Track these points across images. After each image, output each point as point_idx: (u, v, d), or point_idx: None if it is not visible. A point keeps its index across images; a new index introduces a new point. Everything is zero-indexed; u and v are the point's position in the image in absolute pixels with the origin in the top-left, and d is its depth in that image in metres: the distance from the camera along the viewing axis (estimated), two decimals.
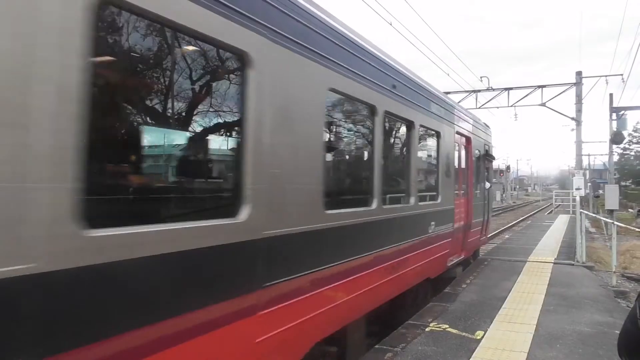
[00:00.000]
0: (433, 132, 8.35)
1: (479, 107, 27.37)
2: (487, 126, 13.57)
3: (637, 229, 15.57)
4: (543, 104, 25.87)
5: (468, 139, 10.90)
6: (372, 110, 5.80)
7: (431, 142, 8.51)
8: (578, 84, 25.91)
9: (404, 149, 7.37)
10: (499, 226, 29.08)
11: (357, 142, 6.17)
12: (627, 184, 63.89)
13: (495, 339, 6.25)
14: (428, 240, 7.81)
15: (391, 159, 7.08)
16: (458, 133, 9.81)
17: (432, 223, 7.96)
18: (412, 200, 7.05)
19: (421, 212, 7.47)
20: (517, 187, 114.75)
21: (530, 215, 41.42)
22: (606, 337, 6.28)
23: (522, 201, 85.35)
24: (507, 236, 22.41)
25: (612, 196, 24.06)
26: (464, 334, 6.45)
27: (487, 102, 27.25)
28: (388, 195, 6.33)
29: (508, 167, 75.05)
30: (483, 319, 7.16)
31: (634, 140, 67.30)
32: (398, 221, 6.53)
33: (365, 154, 6.10)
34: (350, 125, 5.96)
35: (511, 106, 27.11)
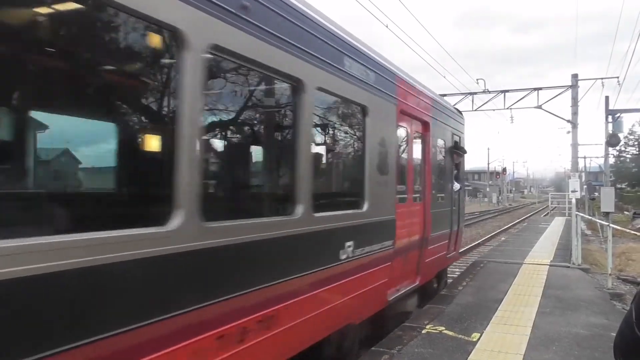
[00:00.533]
0: (352, 105, 5.62)
1: (475, 110, 27.48)
2: (459, 113, 10.88)
3: (633, 232, 15.62)
4: (539, 107, 25.99)
5: (425, 124, 7.96)
6: (176, 39, 3.05)
7: (348, 120, 5.85)
8: (574, 86, 26.04)
9: (278, 123, 4.72)
10: (495, 228, 29.18)
11: (132, 100, 3.27)
12: (623, 186, 64.14)
13: (492, 341, 6.26)
14: (341, 272, 5.07)
15: (241, 138, 4.43)
16: (405, 113, 7.00)
17: (349, 244, 5.19)
18: (300, 209, 4.27)
19: (321, 228, 4.66)
20: (513, 189, 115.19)
21: (527, 218, 41.57)
22: (602, 339, 6.29)
23: (518, 203, 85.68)
24: (503, 238, 22.47)
25: (607, 199, 24.15)
26: (460, 336, 6.45)
27: (484, 104, 27.36)
28: (228, 204, 3.98)
29: (504, 170, 75.48)
30: (479, 321, 7.16)
31: (630, 142, 67.61)
32: (255, 249, 3.73)
33: (161, 124, 3.36)
34: (115, 63, 3.09)
35: (507, 109, 27.25)
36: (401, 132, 7.12)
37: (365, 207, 5.66)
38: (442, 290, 9.58)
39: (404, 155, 7.42)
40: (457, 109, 10.86)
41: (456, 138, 9.96)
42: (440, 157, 9.06)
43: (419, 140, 8.01)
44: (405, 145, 7.48)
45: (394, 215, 6.49)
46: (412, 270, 7.57)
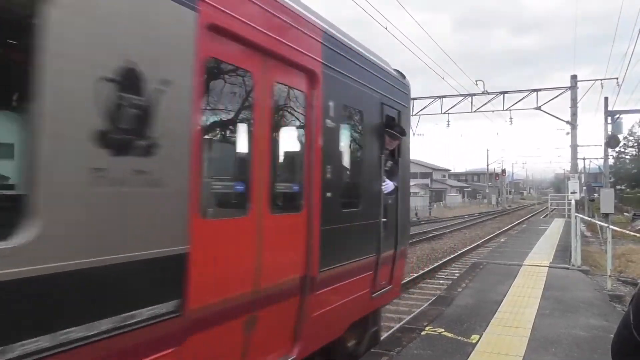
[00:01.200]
0: None
1: (475, 111, 27.54)
2: (399, 75, 6.93)
3: (633, 233, 15.63)
4: (538, 108, 26.03)
5: (309, 75, 4.54)
6: None
7: None
8: (573, 87, 26.09)
9: None
10: (494, 230, 29.20)
11: None
12: (623, 187, 64.23)
13: (491, 343, 6.24)
14: None
15: None
16: (234, 37, 3.54)
17: None
18: None
19: None
20: (513, 190, 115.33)
21: (526, 219, 41.59)
22: (601, 341, 6.27)
23: (517, 205, 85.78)
24: (502, 240, 22.49)
25: (607, 200, 24.14)
26: (459, 337, 6.43)
27: (482, 105, 27.41)
28: None
29: (503, 171, 75.64)
30: (479, 322, 7.14)
31: (629, 143, 67.72)
32: None
33: None
34: None
35: (506, 110, 27.31)
36: (222, 76, 3.80)
37: (36, 235, 2.22)
38: (373, 347, 6.27)
39: (238, 124, 4.12)
40: (396, 70, 6.93)
41: (391, 111, 6.30)
42: (351, 137, 5.72)
43: (294, 103, 4.60)
44: (237, 104, 4.03)
45: (184, 246, 3.04)
46: (276, 338, 4.36)
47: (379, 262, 6.01)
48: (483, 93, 26.79)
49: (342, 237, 5.11)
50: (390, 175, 6.28)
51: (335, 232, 4.93)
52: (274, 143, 4.38)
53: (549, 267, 12.52)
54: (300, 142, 4.71)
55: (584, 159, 54.83)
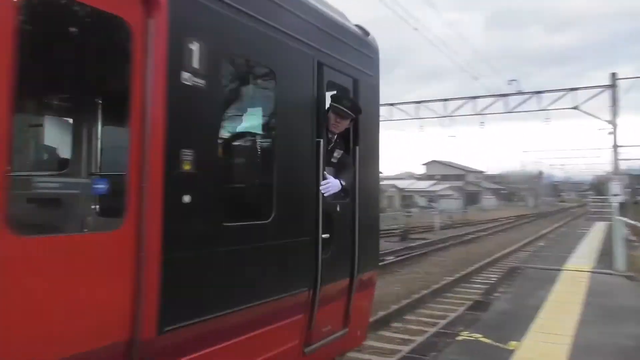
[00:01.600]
0: None
1: (509, 112, 26.96)
2: (356, 31, 4.92)
3: None
4: (575, 107, 25.24)
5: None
6: None
7: None
8: (613, 86, 25.17)
9: None
10: (532, 233, 28.49)
11: None
12: None
13: (530, 350, 6.06)
14: None
15: None
16: None
17: None
18: None
19: None
20: (551, 193, 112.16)
21: (565, 223, 40.38)
22: None
23: (555, 207, 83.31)
24: (541, 244, 21.92)
25: None
26: (497, 344, 6.28)
27: (517, 106, 26.80)
28: None
29: (541, 173, 73.76)
30: (517, 329, 6.95)
31: None
32: None
33: None
34: None
35: (542, 110, 26.60)
36: None
37: None
38: None
39: None
40: (358, 26, 5.04)
41: (339, 78, 4.49)
42: (249, 107, 4.32)
43: (88, 35, 3.05)
44: None
45: None
46: None
47: (317, 298, 4.09)
48: (517, 93, 26.20)
49: (222, 268, 3.16)
50: (340, 169, 4.45)
51: (206, 261, 3.03)
52: (30, 101, 2.61)
53: (591, 272, 12.11)
54: (111, 105, 2.90)
55: (626, 159, 52.83)
